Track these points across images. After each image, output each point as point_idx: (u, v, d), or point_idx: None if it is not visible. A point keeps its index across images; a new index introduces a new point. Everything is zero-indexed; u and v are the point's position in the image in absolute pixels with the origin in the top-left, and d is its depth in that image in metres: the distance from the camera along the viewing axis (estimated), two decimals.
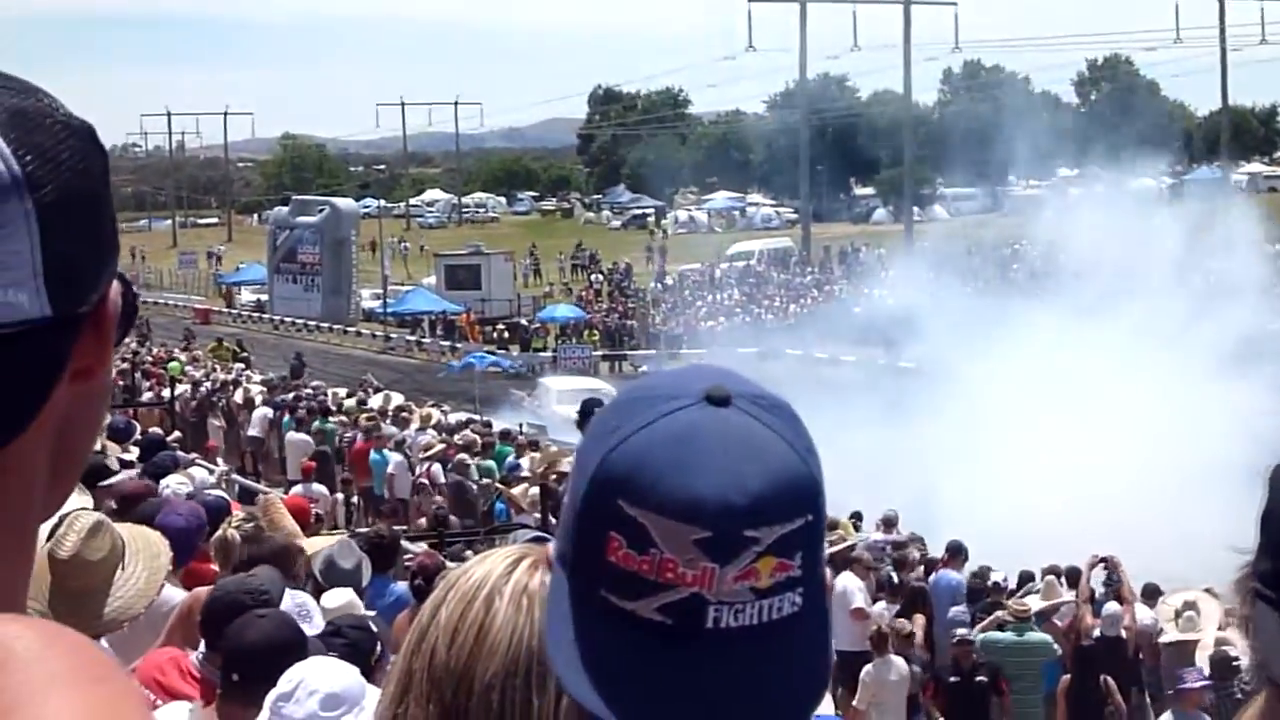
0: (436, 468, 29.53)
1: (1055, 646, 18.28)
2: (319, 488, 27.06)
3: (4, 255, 1.43)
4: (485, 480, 27.87)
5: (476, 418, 37.92)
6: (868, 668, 17.70)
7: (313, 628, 7.23)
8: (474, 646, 2.24)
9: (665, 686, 1.75)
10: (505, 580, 2.29)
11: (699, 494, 1.74)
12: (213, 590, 7.00)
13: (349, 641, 6.99)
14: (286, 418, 35.47)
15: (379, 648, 7.13)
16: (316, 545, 10.95)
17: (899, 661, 17.90)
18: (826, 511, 1.85)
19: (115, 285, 1.58)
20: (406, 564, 13.40)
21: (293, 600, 7.51)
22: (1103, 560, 18.74)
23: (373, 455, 31.42)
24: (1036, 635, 18.35)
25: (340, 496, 29.39)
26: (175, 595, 7.87)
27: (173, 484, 12.89)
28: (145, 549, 7.24)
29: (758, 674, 1.76)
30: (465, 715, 2.22)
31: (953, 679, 18.00)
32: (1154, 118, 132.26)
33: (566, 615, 1.79)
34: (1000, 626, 18.55)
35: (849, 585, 19.73)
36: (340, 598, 9.39)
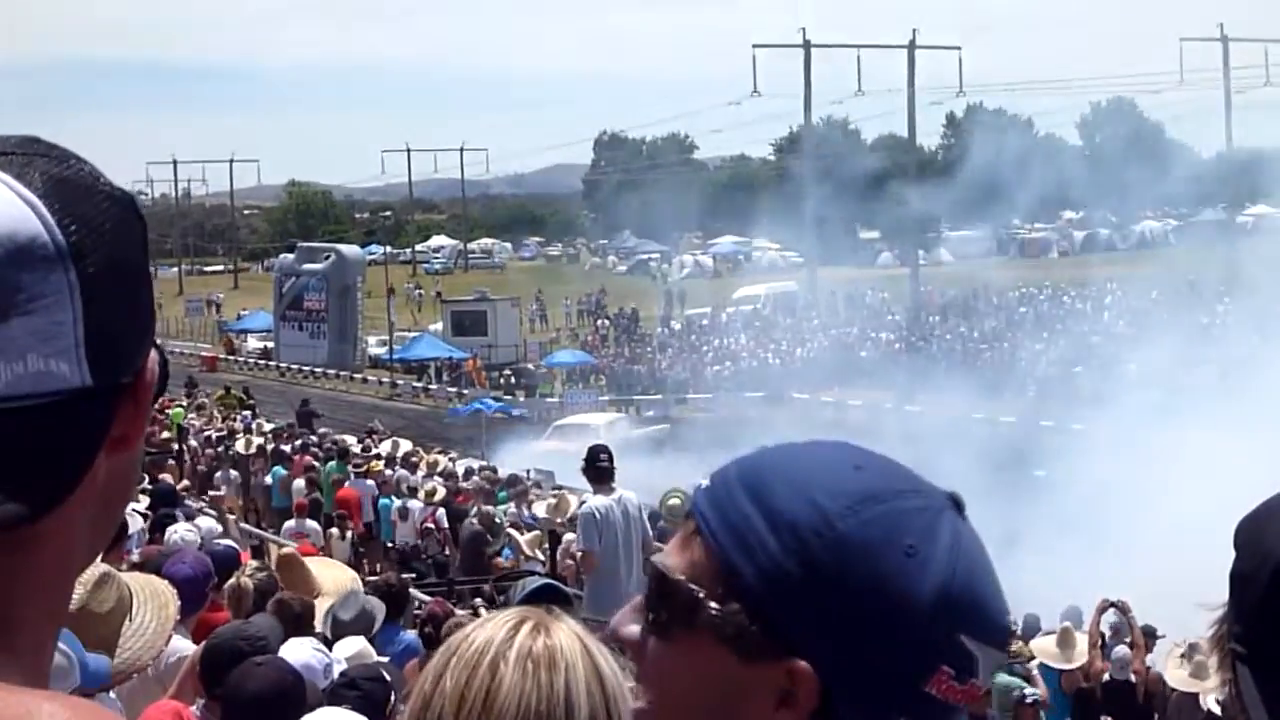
0: (441, 513, 29.53)
1: (1025, 692, 17.92)
2: (311, 524, 27.15)
3: (48, 325, 1.44)
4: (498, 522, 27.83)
5: (483, 463, 37.90)
6: None
7: (331, 681, 7.24)
8: (481, 713, 2.22)
9: None
10: (509, 645, 2.26)
11: (1006, 621, 1.80)
12: (209, 639, 6.99)
13: (363, 693, 6.99)
14: (277, 466, 35.58)
15: (393, 697, 7.13)
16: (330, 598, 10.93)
17: None
18: None
19: (153, 355, 1.59)
20: (415, 613, 13.38)
21: (316, 658, 7.51)
22: (1113, 604, 18.65)
23: (381, 501, 31.47)
24: (1004, 678, 18.12)
25: (335, 531, 29.26)
26: (185, 646, 7.86)
27: (180, 532, 12.86)
28: (153, 599, 7.23)
29: None
30: None
31: None
32: (1158, 160, 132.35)
33: None
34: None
35: None
36: (352, 646, 9.38)
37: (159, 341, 1.62)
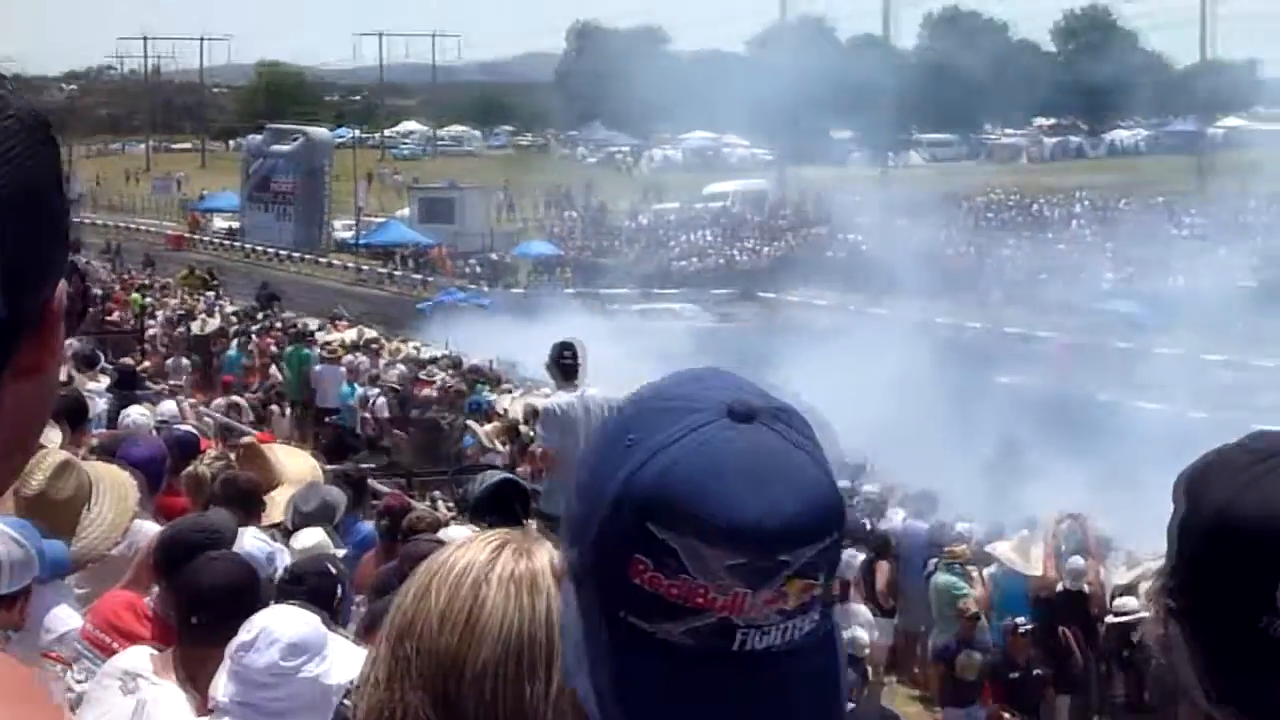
0: (383, 402, 29.53)
1: (961, 592, 18.08)
2: (239, 400, 26.99)
3: None
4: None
5: (448, 353, 37.84)
6: None
7: (274, 571, 7.21)
8: (464, 633, 2.21)
9: (692, 709, 1.72)
10: (490, 567, 2.25)
11: (736, 520, 1.71)
12: (164, 530, 6.96)
13: (309, 588, 6.96)
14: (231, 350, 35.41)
15: (339, 590, 7.09)
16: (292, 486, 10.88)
17: (859, 608, 17.97)
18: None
19: (63, 283, 1.53)
20: (373, 504, 13.36)
21: (258, 546, 7.48)
22: (1070, 516, 18.76)
23: (343, 388, 31.43)
24: (944, 578, 18.33)
25: (275, 409, 29.14)
26: (149, 528, 7.81)
27: (134, 415, 12.79)
28: (114, 488, 7.21)
29: (784, 693, 1.73)
30: (458, 703, 2.20)
31: (1011, 675, 17.07)
32: (1132, 68, 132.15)
33: (583, 633, 1.77)
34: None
35: None
36: (311, 538, 9.35)
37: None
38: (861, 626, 17.14)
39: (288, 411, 30.16)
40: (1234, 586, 1.94)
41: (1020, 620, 17.20)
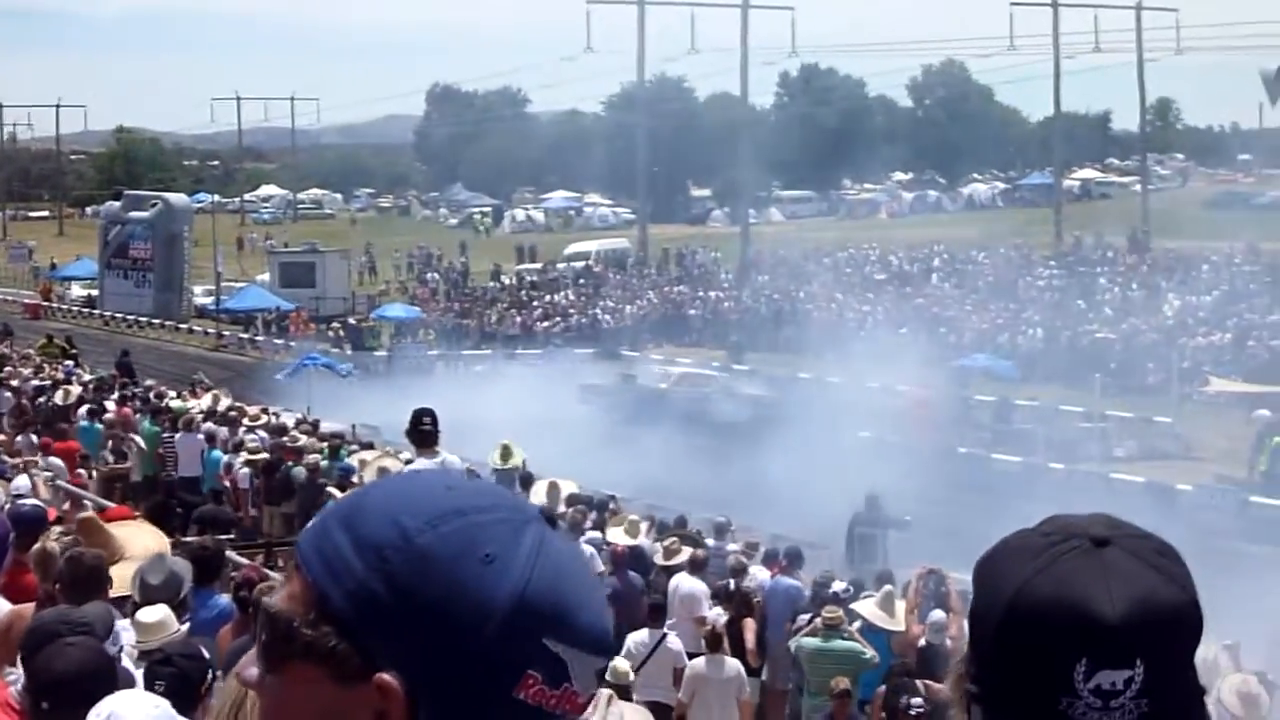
0: (245, 472, 29.19)
1: (867, 656, 18.15)
2: (55, 460, 26.41)
3: None
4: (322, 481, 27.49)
5: (304, 418, 37.56)
6: (695, 662, 17.78)
7: (120, 650, 7.11)
8: None
9: None
10: None
11: (600, 627, 1.87)
12: (34, 620, 6.87)
13: (179, 671, 6.89)
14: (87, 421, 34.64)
15: (209, 675, 7.03)
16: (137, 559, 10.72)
17: (732, 662, 17.99)
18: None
19: None
20: (232, 575, 13.22)
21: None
22: (931, 570, 18.86)
23: (212, 454, 31.13)
24: (845, 644, 18.25)
25: (82, 472, 28.43)
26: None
27: None
28: None
29: None
30: None
31: None
32: (988, 123, 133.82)
33: None
34: (815, 632, 18.52)
35: (696, 590, 19.89)
36: (154, 614, 9.24)
37: None
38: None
39: (94, 474, 29.41)
40: (1032, 669, 1.96)
41: (916, 703, 17.08)
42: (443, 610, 1.77)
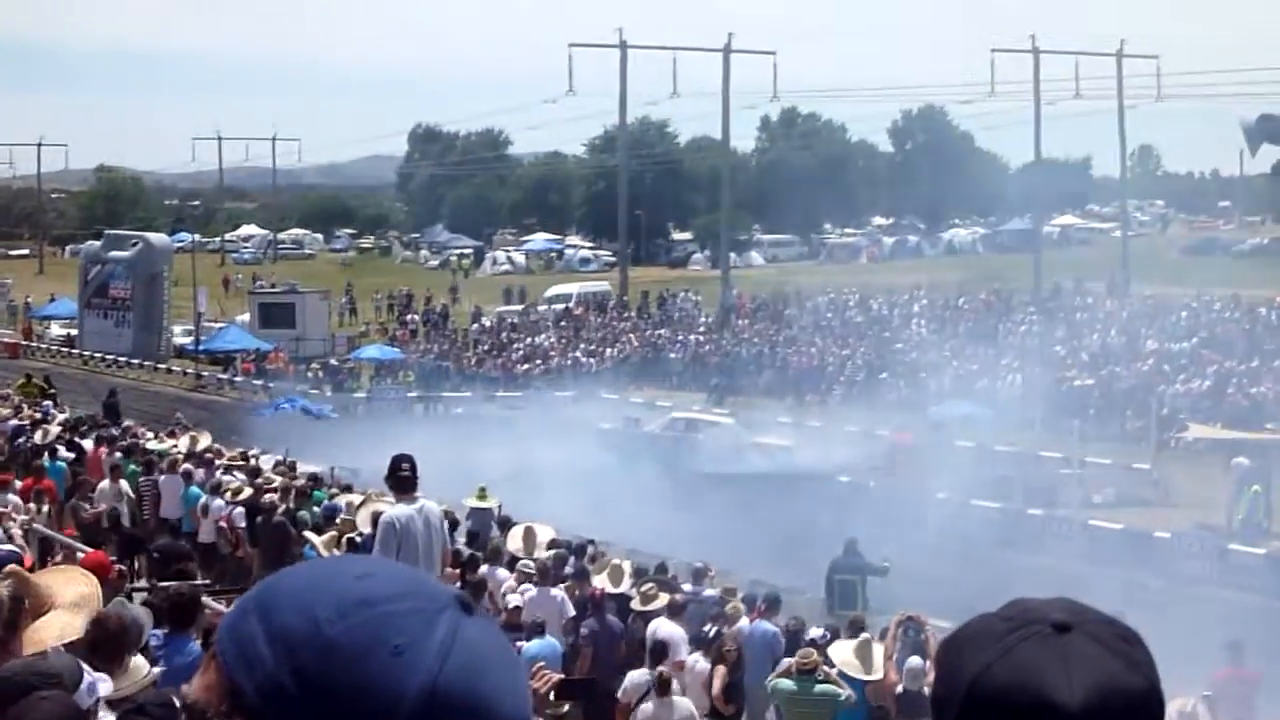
0: (240, 511, 29.05)
1: (843, 697, 18.11)
2: (13, 498, 26.20)
3: None
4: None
5: (283, 459, 37.46)
6: (644, 706, 17.75)
7: (97, 701, 7.06)
8: None
9: None
10: None
11: (516, 713, 1.82)
12: (2, 670, 6.81)
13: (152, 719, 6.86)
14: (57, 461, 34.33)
15: None
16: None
17: (683, 702, 17.94)
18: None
19: None
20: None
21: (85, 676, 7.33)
22: (910, 618, 18.83)
23: (190, 490, 30.98)
24: (822, 686, 18.20)
25: (34, 506, 28.25)
26: None
27: None
28: None
29: None
30: None
31: None
32: (968, 168, 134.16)
33: None
34: (788, 674, 18.47)
35: (674, 635, 19.85)
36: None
37: None
38: None
39: (45, 509, 29.20)
40: None
41: None
42: (350, 704, 1.76)
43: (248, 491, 29.94)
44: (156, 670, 9.79)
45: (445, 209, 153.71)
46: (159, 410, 58.05)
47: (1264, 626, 26.37)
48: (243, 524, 28.89)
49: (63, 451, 35.76)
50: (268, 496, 28.68)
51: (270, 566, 26.58)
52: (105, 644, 8.64)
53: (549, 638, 19.53)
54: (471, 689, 1.76)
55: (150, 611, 11.03)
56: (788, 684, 18.22)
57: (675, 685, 18.33)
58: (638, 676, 18.61)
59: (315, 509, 28.47)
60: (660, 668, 18.51)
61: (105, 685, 7.60)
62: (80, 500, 30.22)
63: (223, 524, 29.15)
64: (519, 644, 18.00)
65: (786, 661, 19.13)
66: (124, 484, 31.35)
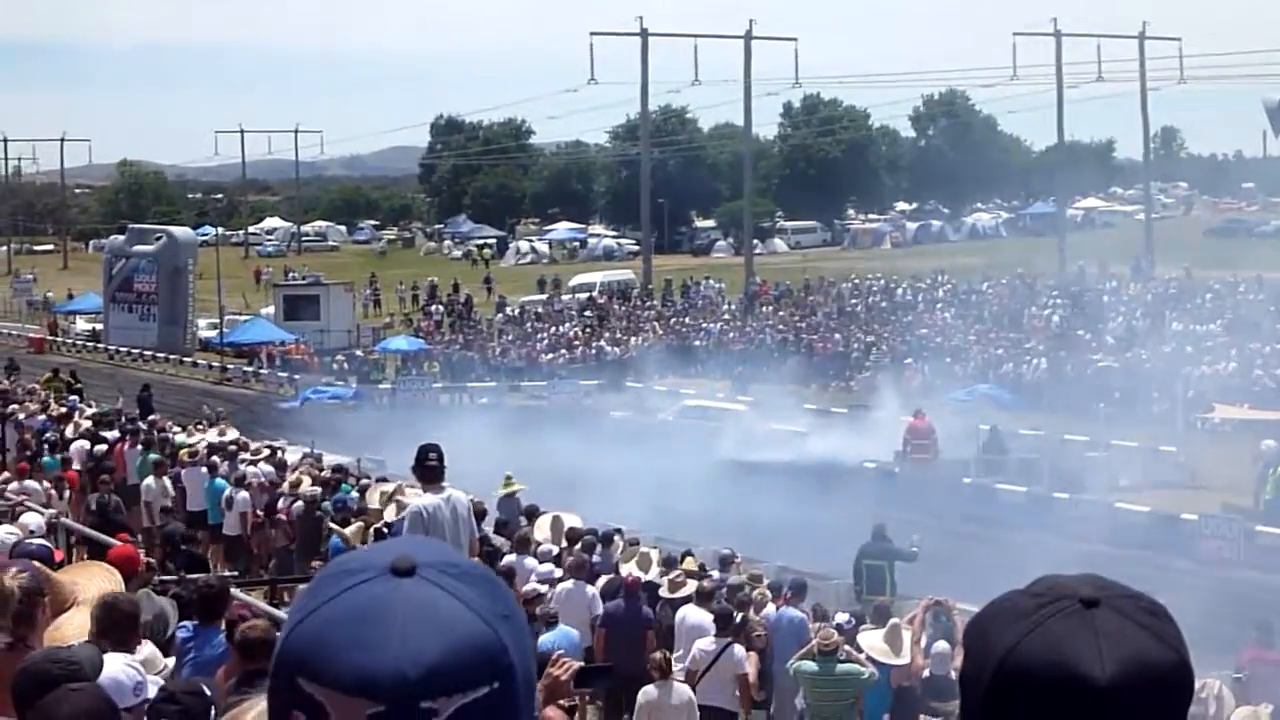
0: (299, 505, 29.07)
1: (865, 675, 18.06)
2: (31, 484, 26.41)
3: None
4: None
5: (309, 451, 37.56)
6: (646, 689, 17.74)
7: (144, 702, 7.13)
8: None
9: None
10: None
11: (371, 668, 1.76)
12: (23, 663, 6.84)
13: (182, 708, 6.90)
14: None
15: (212, 712, 7.03)
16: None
17: (681, 688, 17.94)
18: (518, 676, 1.85)
19: None
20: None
21: (128, 674, 7.36)
22: (937, 602, 18.81)
23: (216, 481, 31.08)
24: (844, 666, 18.14)
25: (54, 492, 28.35)
26: None
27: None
28: None
29: None
30: None
31: None
32: (991, 153, 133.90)
33: None
34: (810, 655, 18.45)
35: (703, 622, 19.84)
36: (140, 653, 9.20)
37: None
38: None
39: (65, 495, 29.32)
40: None
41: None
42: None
43: (307, 482, 29.90)
44: (170, 662, 9.85)
45: (468, 199, 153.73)
46: (188, 404, 58.16)
47: None
48: (252, 515, 29.09)
49: (84, 445, 35.98)
50: (307, 489, 28.77)
51: (305, 557, 26.75)
52: (114, 628, 8.66)
53: (564, 627, 19.45)
54: (322, 638, 1.79)
55: (175, 604, 11.05)
56: (810, 665, 18.18)
57: (676, 669, 18.38)
58: (705, 644, 18.97)
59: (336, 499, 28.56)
60: (661, 650, 18.58)
61: (153, 687, 7.63)
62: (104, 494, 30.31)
63: (282, 516, 29.06)
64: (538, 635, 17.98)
65: (808, 643, 19.13)
66: (166, 481, 31.47)
